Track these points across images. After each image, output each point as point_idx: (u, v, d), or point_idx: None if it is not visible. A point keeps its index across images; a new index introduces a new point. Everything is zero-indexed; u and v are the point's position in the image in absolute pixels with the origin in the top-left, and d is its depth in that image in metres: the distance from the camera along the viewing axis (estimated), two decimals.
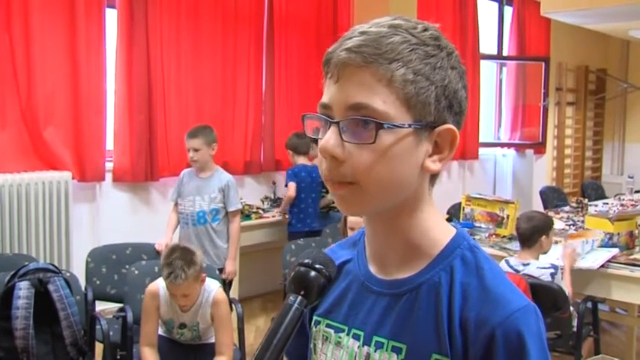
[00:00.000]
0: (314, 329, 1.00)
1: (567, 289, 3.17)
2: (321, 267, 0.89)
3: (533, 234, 3.28)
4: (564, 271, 3.26)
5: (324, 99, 0.86)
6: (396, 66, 0.82)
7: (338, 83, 0.84)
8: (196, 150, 3.87)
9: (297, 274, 0.88)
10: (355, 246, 1.00)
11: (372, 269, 0.95)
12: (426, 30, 0.85)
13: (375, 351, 0.89)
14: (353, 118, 0.82)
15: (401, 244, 0.90)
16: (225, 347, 2.87)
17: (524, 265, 3.23)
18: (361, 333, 0.92)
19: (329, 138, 0.83)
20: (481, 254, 0.90)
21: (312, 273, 0.88)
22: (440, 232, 0.91)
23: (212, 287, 2.93)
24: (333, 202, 4.73)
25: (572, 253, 3.38)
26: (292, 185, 4.67)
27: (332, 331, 0.96)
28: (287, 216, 4.81)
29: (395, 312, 0.89)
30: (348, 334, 0.94)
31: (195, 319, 2.90)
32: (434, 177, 0.90)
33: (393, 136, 0.82)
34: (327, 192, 4.85)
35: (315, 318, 1.00)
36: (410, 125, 0.83)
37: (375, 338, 0.90)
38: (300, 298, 0.86)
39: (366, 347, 0.91)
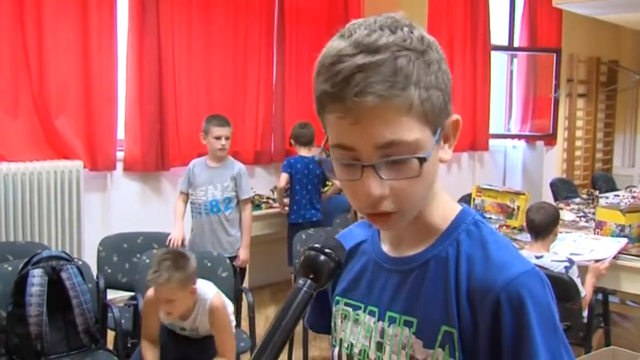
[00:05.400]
0: (334, 308, 1.03)
1: (586, 293, 3.17)
2: (331, 251, 0.90)
3: (549, 224, 3.27)
4: (586, 282, 3.24)
5: (344, 141, 0.83)
6: (410, 92, 0.81)
7: (357, 125, 0.81)
8: (228, 138, 3.91)
9: (306, 258, 0.90)
10: (371, 227, 1.03)
11: (385, 248, 0.98)
12: (411, 34, 0.83)
13: (389, 326, 0.93)
14: (393, 159, 0.81)
15: (414, 224, 0.92)
16: (227, 352, 2.78)
17: (537, 257, 3.21)
18: (376, 309, 0.96)
19: (370, 184, 0.82)
20: (486, 228, 0.92)
21: (322, 257, 0.89)
22: (447, 209, 0.94)
23: (208, 294, 2.79)
24: (339, 192, 4.72)
25: (602, 270, 3.32)
26: (283, 176, 4.65)
27: (350, 309, 1.00)
28: (285, 207, 4.81)
29: (406, 288, 0.92)
30: (364, 311, 0.97)
31: (194, 326, 2.81)
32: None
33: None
34: (326, 185, 4.88)
35: (335, 297, 1.03)
36: (436, 141, 0.85)
37: (389, 314, 0.93)
38: (309, 281, 0.88)
39: (380, 322, 0.94)
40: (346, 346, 1.00)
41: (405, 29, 0.83)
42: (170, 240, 3.79)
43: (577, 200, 5.29)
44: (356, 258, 1.02)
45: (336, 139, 0.84)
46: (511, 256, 0.88)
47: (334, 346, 1.03)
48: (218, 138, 3.87)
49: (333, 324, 1.04)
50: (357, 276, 1.01)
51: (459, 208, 0.95)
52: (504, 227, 4.07)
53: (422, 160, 0.82)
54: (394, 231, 0.94)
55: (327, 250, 0.90)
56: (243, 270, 4.14)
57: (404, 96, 0.80)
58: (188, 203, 4.03)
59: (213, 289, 2.85)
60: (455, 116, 0.89)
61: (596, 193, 5.40)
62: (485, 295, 0.84)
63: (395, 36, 0.81)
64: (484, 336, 0.83)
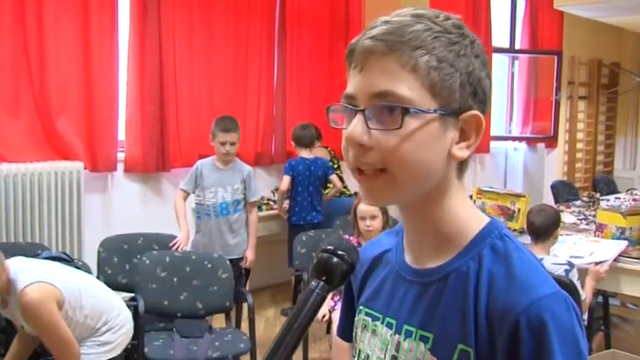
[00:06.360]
0: (356, 317, 1.01)
1: (586, 296, 3.16)
2: (344, 253, 0.88)
3: (549, 227, 3.26)
4: (586, 285, 3.23)
5: (349, 89, 0.87)
6: (420, 53, 0.82)
7: (362, 72, 0.84)
8: (233, 144, 3.88)
9: (319, 260, 0.88)
10: (398, 235, 1.00)
11: (408, 258, 0.95)
12: (448, 19, 0.87)
13: (405, 339, 0.90)
14: (379, 104, 0.82)
15: (432, 232, 0.90)
16: (58, 356, 2.41)
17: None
18: (394, 321, 0.93)
19: (355, 126, 0.83)
20: (512, 243, 0.87)
21: (335, 259, 0.87)
22: (471, 221, 0.90)
23: (21, 283, 2.30)
24: (340, 194, 4.69)
25: (602, 273, 3.30)
26: (286, 179, 4.66)
27: (370, 319, 0.98)
28: (286, 210, 4.79)
29: (425, 301, 0.89)
30: (382, 323, 0.95)
31: (21, 321, 2.51)
32: (463, 164, 0.89)
33: (419, 121, 0.82)
34: (327, 187, 4.87)
35: (359, 306, 1.01)
36: (435, 111, 0.83)
37: (406, 327, 0.90)
38: (321, 283, 0.86)
39: (397, 336, 0.92)
40: (363, 357, 0.98)
41: (444, 15, 0.87)
42: (176, 243, 3.76)
43: (578, 203, 5.28)
44: (380, 267, 1.00)
45: (346, 90, 0.87)
46: (536, 275, 0.83)
47: (354, 357, 1.02)
48: (223, 144, 3.87)
49: (354, 333, 1.02)
50: (379, 286, 0.99)
51: (485, 220, 0.90)
52: None
53: (405, 112, 0.81)
54: (385, 203, 0.93)
55: (340, 252, 0.88)
56: (247, 271, 4.14)
57: (411, 54, 0.82)
58: (194, 205, 4.01)
59: (31, 277, 2.32)
60: (474, 111, 0.85)
61: (597, 195, 5.38)
62: (504, 315, 0.80)
63: (430, 12, 0.87)
64: (501, 358, 0.80)
